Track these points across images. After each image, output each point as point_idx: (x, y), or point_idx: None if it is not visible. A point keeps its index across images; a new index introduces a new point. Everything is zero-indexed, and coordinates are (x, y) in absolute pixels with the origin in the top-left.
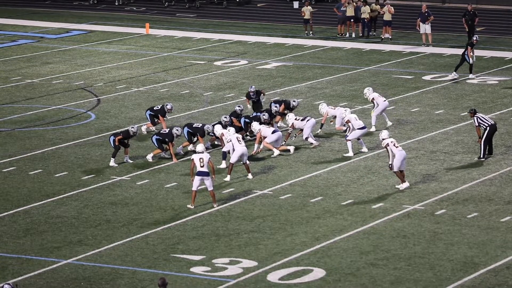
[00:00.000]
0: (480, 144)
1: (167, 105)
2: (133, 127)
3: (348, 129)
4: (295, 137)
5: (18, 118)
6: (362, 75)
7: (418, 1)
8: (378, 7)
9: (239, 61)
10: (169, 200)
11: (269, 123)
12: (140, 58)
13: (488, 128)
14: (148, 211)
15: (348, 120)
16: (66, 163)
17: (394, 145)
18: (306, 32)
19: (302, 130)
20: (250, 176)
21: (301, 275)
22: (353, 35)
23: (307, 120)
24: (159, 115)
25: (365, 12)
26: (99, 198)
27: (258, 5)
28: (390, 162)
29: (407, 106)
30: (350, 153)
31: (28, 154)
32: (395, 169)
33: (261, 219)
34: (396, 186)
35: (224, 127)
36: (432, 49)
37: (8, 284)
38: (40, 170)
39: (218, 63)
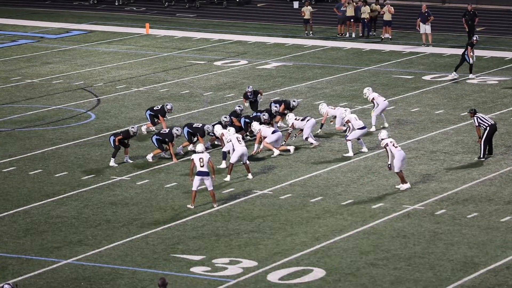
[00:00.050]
0: (480, 144)
1: (167, 105)
2: (133, 127)
3: (348, 129)
4: (295, 137)
5: (18, 118)
6: (362, 75)
7: (418, 1)
8: (378, 7)
9: (239, 61)
10: (169, 200)
11: (269, 123)
12: (140, 58)
13: (488, 128)
14: (148, 211)
15: (348, 120)
16: (66, 163)
17: (393, 145)
18: (306, 32)
19: (302, 130)
20: (250, 176)
21: (301, 275)
22: (353, 35)
23: (307, 120)
24: (159, 115)
25: (365, 12)
26: (99, 198)
27: (258, 5)
28: (389, 162)
29: (407, 106)
30: (350, 153)
31: (28, 154)
32: (397, 169)
33: (261, 219)
34: (396, 186)
35: (224, 127)
36: (432, 49)
37: (8, 284)
38: (40, 170)
39: (218, 63)
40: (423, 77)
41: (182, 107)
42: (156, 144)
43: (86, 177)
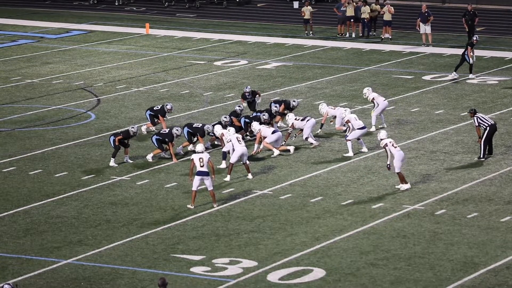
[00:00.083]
0: (480, 144)
1: (167, 105)
2: (133, 127)
3: (348, 129)
4: (295, 137)
5: (18, 118)
6: (362, 75)
7: (418, 1)
8: (378, 7)
9: (239, 61)
10: (169, 200)
11: (269, 123)
12: (140, 58)
13: (488, 128)
14: (148, 211)
15: (348, 120)
16: (66, 163)
17: (392, 145)
18: (306, 32)
19: (302, 130)
20: (250, 176)
21: (301, 275)
22: (353, 35)
23: (307, 120)
24: (159, 115)
25: (365, 12)
26: (99, 198)
27: (258, 5)
28: (388, 163)
29: (407, 106)
30: (350, 153)
31: (28, 154)
32: (397, 170)
33: (261, 219)
34: (396, 186)
35: (224, 127)
36: (432, 49)
37: (8, 284)
38: (40, 170)
39: (218, 63)
40: (423, 77)
41: (182, 107)
42: (156, 144)
43: (86, 177)
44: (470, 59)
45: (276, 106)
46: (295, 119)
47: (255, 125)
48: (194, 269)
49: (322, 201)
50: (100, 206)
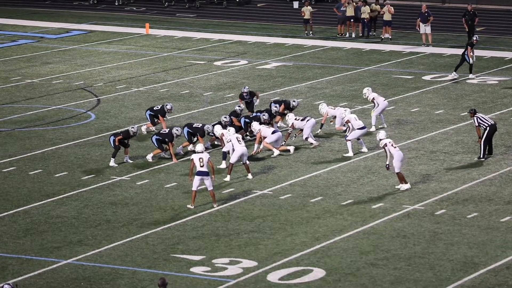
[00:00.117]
0: (480, 144)
1: (167, 105)
2: (133, 127)
3: (348, 129)
4: (295, 137)
5: (18, 118)
6: (362, 75)
7: (418, 1)
8: (378, 7)
9: (239, 61)
10: (169, 200)
11: (269, 123)
12: (140, 58)
13: (488, 128)
14: (148, 211)
15: (348, 120)
16: (66, 163)
17: (392, 145)
18: (306, 32)
19: (302, 130)
20: (250, 176)
21: (301, 275)
22: (353, 35)
23: (307, 120)
24: (159, 115)
25: (365, 12)
26: (99, 198)
27: (258, 5)
28: (387, 163)
29: (407, 106)
30: (350, 153)
31: (28, 154)
32: (397, 170)
33: (261, 219)
34: (396, 187)
35: (224, 127)
36: (432, 49)
37: (8, 284)
38: (40, 170)
39: (218, 63)
40: (423, 77)
41: (182, 107)
42: (156, 144)
43: (86, 177)
44: (470, 59)
45: (276, 106)
46: (295, 119)
47: (255, 125)
48: (194, 269)
49: (322, 201)
50: (100, 206)
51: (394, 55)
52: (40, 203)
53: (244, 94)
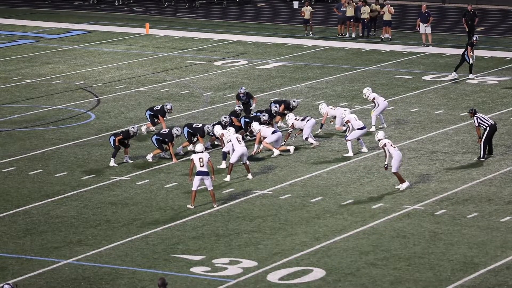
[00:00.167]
0: (480, 144)
1: (166, 105)
2: (133, 127)
3: (348, 129)
4: (295, 137)
5: (18, 118)
6: (362, 75)
7: (418, 1)
8: (378, 7)
9: (239, 61)
10: (169, 200)
11: (269, 123)
12: (140, 58)
13: (488, 128)
14: (148, 211)
15: (347, 120)
16: (66, 163)
17: (391, 145)
18: (306, 32)
19: (302, 130)
20: (250, 176)
21: (301, 275)
22: (353, 35)
23: (307, 120)
24: (159, 115)
25: (365, 12)
26: (99, 198)
27: (258, 5)
28: (385, 163)
29: (407, 106)
30: (350, 153)
31: (28, 154)
32: (394, 170)
33: (261, 219)
34: (396, 187)
35: (224, 127)
36: (432, 49)
37: (8, 284)
38: (40, 170)
39: (218, 63)
40: (423, 77)
41: (182, 107)
42: (156, 144)
43: (86, 177)
44: (470, 59)
45: (276, 106)
46: (295, 119)
47: (255, 125)
48: (194, 269)
49: (322, 201)
50: (100, 206)
51: (394, 55)
52: (40, 203)
53: (241, 94)
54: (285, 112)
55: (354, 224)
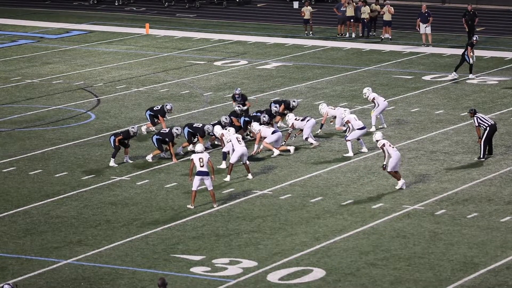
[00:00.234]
0: (480, 144)
1: (166, 105)
2: (133, 127)
3: (348, 129)
4: (295, 137)
5: (18, 118)
6: (362, 75)
7: (418, 1)
8: (378, 7)
9: (239, 61)
10: (169, 200)
11: (268, 123)
12: (140, 58)
13: (488, 128)
14: (148, 211)
15: (347, 120)
16: (66, 163)
17: (389, 145)
18: (306, 32)
19: (302, 130)
20: (250, 176)
21: (301, 275)
22: (353, 35)
23: (307, 120)
24: (159, 115)
25: (365, 12)
26: (99, 198)
27: (258, 5)
28: (384, 163)
29: (407, 106)
30: (350, 153)
31: (28, 154)
32: (389, 169)
33: (261, 219)
34: (396, 187)
35: (224, 127)
36: (432, 49)
37: (8, 284)
38: (40, 170)
39: (218, 63)
40: (423, 77)
41: (182, 107)
42: (156, 144)
43: (86, 177)
44: (470, 59)
45: (276, 106)
46: (295, 119)
47: (255, 126)
48: (194, 269)
49: (322, 201)
50: (100, 206)
51: (394, 55)
52: (40, 203)
53: (236, 95)
54: (285, 112)
55: (354, 224)
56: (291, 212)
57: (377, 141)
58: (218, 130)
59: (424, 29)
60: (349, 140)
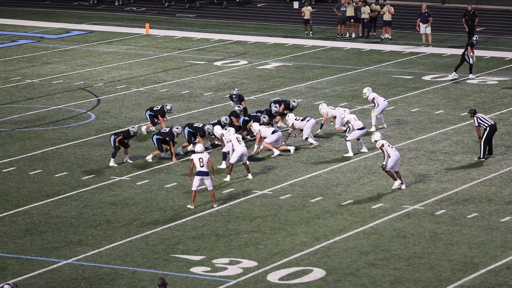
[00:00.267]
0: (480, 144)
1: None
2: (133, 127)
3: (348, 129)
4: (294, 137)
5: (18, 118)
6: (362, 75)
7: (418, 1)
8: (378, 7)
9: (239, 61)
10: (169, 200)
11: (268, 123)
12: (140, 58)
13: (488, 128)
14: (148, 211)
15: (347, 120)
16: (66, 163)
17: (388, 145)
18: (306, 32)
19: (302, 130)
20: (250, 176)
21: (301, 275)
22: (353, 35)
23: (307, 120)
24: (159, 116)
25: (365, 12)
26: (99, 198)
27: (258, 5)
28: (384, 163)
29: (407, 106)
30: (350, 153)
31: (28, 154)
32: (387, 168)
33: (261, 219)
34: (392, 187)
35: (223, 127)
36: (432, 49)
37: (8, 284)
38: (40, 170)
39: (218, 63)
40: (423, 77)
41: (182, 107)
42: (156, 144)
43: (86, 177)
44: (470, 59)
45: (276, 106)
46: (295, 119)
47: (255, 126)
48: (194, 269)
49: (322, 201)
50: (100, 206)
51: (394, 55)
52: (40, 203)
53: (233, 96)
54: (285, 112)
55: (354, 224)
56: (291, 212)
57: (375, 141)
58: (218, 130)
59: (424, 29)
60: (349, 140)
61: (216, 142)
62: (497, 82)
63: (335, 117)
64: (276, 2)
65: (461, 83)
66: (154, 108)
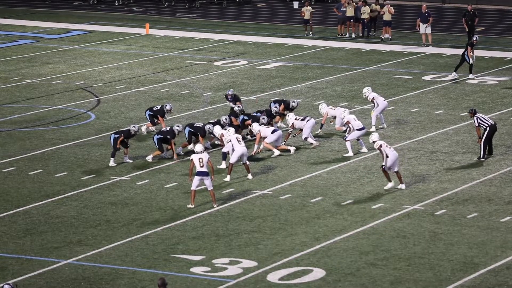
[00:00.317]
0: (480, 144)
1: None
2: (134, 126)
3: (348, 129)
4: (294, 136)
5: (18, 118)
6: (362, 75)
7: (418, 1)
8: (378, 7)
9: (239, 61)
10: (169, 200)
11: (268, 123)
12: (140, 58)
13: (488, 128)
14: (148, 211)
15: (347, 121)
16: (66, 163)
17: (386, 146)
18: (306, 32)
19: (302, 130)
20: (250, 176)
21: (301, 275)
22: (353, 35)
23: (307, 120)
24: (159, 116)
25: (365, 12)
26: (99, 198)
27: (258, 5)
28: (383, 163)
29: (407, 106)
30: (350, 153)
31: (28, 154)
32: (386, 168)
33: (261, 219)
34: (397, 187)
35: (223, 127)
36: (432, 49)
37: (8, 284)
38: (40, 170)
39: (218, 63)
40: (423, 77)
41: (182, 107)
42: (156, 144)
43: (86, 177)
44: (470, 59)
45: (276, 106)
46: (295, 119)
47: (255, 126)
48: (194, 269)
49: (322, 201)
50: (100, 206)
51: (394, 55)
52: (40, 203)
53: (229, 96)
54: (285, 112)
55: (354, 224)
56: (291, 212)
57: (373, 142)
58: (218, 130)
59: (424, 29)
60: (349, 141)
61: (216, 142)
62: (497, 82)
63: (335, 117)
64: (276, 2)
65: (461, 83)
66: (154, 108)
